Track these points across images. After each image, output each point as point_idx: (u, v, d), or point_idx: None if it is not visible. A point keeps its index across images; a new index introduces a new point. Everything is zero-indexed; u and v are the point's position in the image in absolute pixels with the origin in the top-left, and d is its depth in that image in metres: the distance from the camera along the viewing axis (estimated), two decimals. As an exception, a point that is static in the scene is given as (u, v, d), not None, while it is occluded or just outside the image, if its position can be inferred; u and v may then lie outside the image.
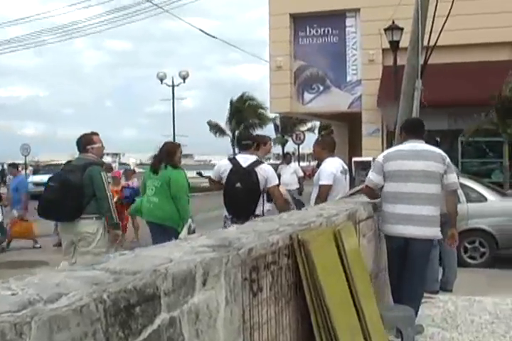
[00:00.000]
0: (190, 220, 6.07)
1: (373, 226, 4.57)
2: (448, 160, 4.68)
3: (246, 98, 39.14)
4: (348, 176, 5.98)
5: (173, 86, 30.37)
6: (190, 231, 5.84)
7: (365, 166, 16.15)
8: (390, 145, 9.79)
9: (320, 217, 3.39)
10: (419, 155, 4.66)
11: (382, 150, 20.27)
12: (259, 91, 67.04)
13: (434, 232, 4.60)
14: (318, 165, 6.11)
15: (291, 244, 2.69)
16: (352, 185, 6.50)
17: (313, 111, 20.29)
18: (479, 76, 16.51)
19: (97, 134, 5.62)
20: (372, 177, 4.79)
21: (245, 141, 5.76)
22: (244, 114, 38.21)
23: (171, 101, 30.56)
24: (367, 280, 3.54)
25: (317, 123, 42.20)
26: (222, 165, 5.68)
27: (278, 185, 5.58)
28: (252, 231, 2.62)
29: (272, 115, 37.06)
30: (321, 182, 5.63)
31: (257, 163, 5.54)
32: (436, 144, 5.86)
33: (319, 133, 44.35)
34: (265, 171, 5.47)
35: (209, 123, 41.24)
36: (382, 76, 18.20)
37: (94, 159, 5.45)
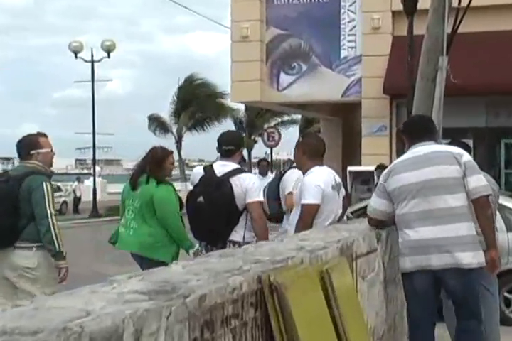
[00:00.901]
0: (197, 245, 6.24)
1: (377, 264, 4.64)
2: (466, 158, 4.90)
3: (196, 80, 39.16)
4: (341, 192, 6.06)
5: (92, 62, 30.29)
6: None
7: (366, 178, 16.30)
8: (401, 150, 9.91)
9: (301, 250, 3.44)
10: (427, 160, 4.92)
11: (391, 157, 20.84)
12: (218, 70, 67.32)
13: (476, 258, 4.80)
14: None
15: (261, 289, 2.73)
16: (348, 204, 6.59)
17: (292, 101, 20.44)
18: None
19: (44, 135, 5.90)
20: (373, 202, 5.08)
21: (228, 147, 6.07)
22: (195, 103, 38.24)
23: (90, 83, 30.44)
24: (366, 340, 3.61)
25: (299, 118, 42.44)
26: (196, 174, 6.09)
27: (261, 203, 5.79)
28: (205, 271, 2.65)
29: (237, 106, 37.17)
30: (304, 201, 5.71)
31: (236, 171, 5.85)
32: (467, 150, 6.02)
33: (301, 132, 44.59)
34: (244, 182, 5.75)
35: (150, 117, 41.15)
36: (392, 51, 18.46)
37: (39, 168, 5.68)
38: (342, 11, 19.57)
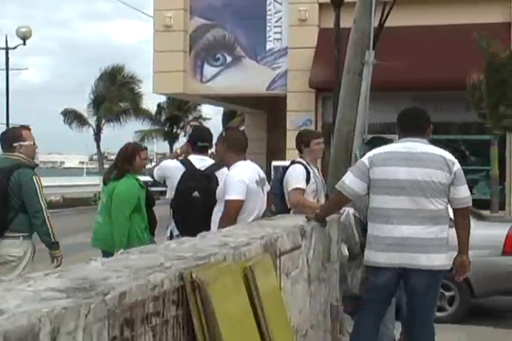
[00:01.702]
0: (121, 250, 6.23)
1: (301, 261, 4.69)
2: (457, 166, 5.07)
3: (118, 71, 38.79)
4: (266, 188, 6.11)
5: (7, 49, 29.66)
6: None
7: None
8: (328, 143, 10.00)
9: (224, 247, 3.45)
10: (416, 159, 5.07)
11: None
12: (141, 60, 66.93)
13: (440, 260, 5.01)
14: None
15: (183, 286, 2.74)
16: (272, 199, 6.63)
17: (216, 93, 20.43)
18: (459, 45, 17.23)
19: (27, 128, 6.32)
20: (351, 182, 5.14)
21: (203, 143, 6.47)
22: (115, 94, 37.85)
23: (4, 72, 29.84)
24: (290, 339, 3.64)
25: (222, 111, 42.44)
26: (170, 167, 6.36)
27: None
28: (125, 268, 2.65)
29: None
30: (228, 197, 5.73)
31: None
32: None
33: (224, 125, 44.62)
34: (224, 177, 5.96)
35: (64, 112, 40.56)
36: (319, 43, 18.62)
37: (23, 160, 6.08)
38: (268, 1, 19.64)
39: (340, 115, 7.91)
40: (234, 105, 25.80)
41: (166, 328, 2.61)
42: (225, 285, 3.00)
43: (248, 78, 19.43)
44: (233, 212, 5.69)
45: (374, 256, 5.09)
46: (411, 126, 5.29)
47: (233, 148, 6.01)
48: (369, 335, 5.25)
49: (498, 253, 9.01)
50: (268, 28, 19.62)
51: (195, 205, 6.09)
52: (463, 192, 5.04)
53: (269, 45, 19.65)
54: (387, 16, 8.39)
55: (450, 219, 5.19)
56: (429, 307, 5.16)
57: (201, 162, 6.35)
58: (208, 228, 5.74)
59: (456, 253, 5.15)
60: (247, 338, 3.10)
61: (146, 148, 7.32)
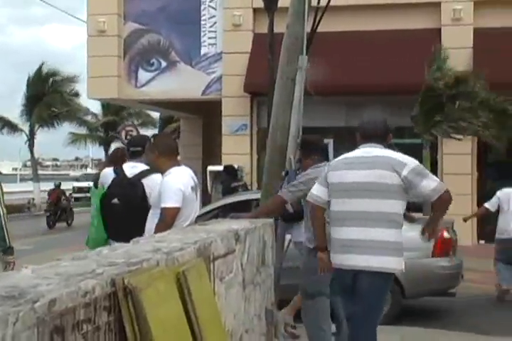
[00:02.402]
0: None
1: (235, 265, 4.70)
2: (411, 167, 5.17)
3: (48, 73, 38.15)
4: (199, 193, 6.13)
5: None
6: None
7: (226, 178, 16.40)
8: (262, 148, 10.07)
9: (157, 252, 3.44)
10: (370, 162, 5.27)
11: (251, 156, 21.03)
12: (75, 65, 66.28)
13: (389, 263, 5.12)
14: None
15: (114, 292, 2.72)
16: (206, 204, 6.68)
17: (151, 98, 20.37)
18: (391, 50, 17.49)
19: None
20: (315, 189, 5.48)
21: (134, 148, 6.50)
22: (47, 98, 37.30)
23: None
24: (225, 344, 3.65)
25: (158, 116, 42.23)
26: (106, 175, 6.46)
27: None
28: (56, 275, 2.62)
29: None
30: (164, 205, 5.72)
31: (146, 172, 6.19)
32: (318, 148, 6.39)
33: (160, 130, 44.42)
34: (153, 183, 6.04)
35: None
36: (253, 48, 18.70)
37: None
38: (202, 6, 19.65)
39: (274, 119, 7.95)
40: (169, 110, 25.73)
41: (98, 335, 2.59)
42: (158, 290, 2.99)
43: (183, 83, 19.41)
44: (169, 220, 5.69)
45: (332, 258, 5.34)
46: (370, 134, 5.51)
47: (164, 153, 5.99)
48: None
49: (427, 255, 9.22)
50: (203, 33, 19.63)
51: (115, 212, 6.14)
52: (428, 186, 5.12)
53: (203, 50, 19.66)
54: (319, 22, 8.46)
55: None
56: (373, 310, 5.27)
57: (132, 169, 6.37)
58: (134, 234, 5.76)
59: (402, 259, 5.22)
60: (181, 343, 3.10)
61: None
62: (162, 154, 5.97)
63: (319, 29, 8.51)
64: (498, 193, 11.50)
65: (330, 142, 18.52)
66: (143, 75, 19.91)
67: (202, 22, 19.62)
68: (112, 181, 6.35)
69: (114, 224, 6.18)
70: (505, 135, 13.99)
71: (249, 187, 16.78)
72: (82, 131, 44.78)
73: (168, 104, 21.59)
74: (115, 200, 6.17)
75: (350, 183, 5.26)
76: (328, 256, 5.45)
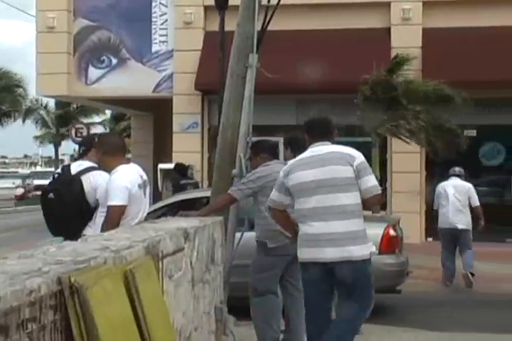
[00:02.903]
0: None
1: (184, 263, 4.69)
2: (360, 160, 5.53)
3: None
4: (148, 190, 6.13)
5: None
6: None
7: (176, 176, 16.37)
8: (213, 146, 10.09)
9: (105, 250, 3.42)
10: (324, 159, 5.55)
11: (202, 154, 20.97)
12: (24, 62, 65.50)
13: (361, 251, 5.41)
14: None
15: (61, 290, 2.70)
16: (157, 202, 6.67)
17: (102, 95, 20.20)
18: (342, 49, 17.59)
19: None
20: (273, 195, 5.74)
21: (83, 147, 6.60)
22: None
23: None
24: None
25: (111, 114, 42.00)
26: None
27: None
28: (1, 274, 2.59)
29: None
30: (110, 203, 5.72)
31: (88, 169, 6.22)
32: (266, 147, 6.52)
33: (112, 127, 44.20)
34: (94, 180, 6.10)
35: None
36: (204, 46, 18.67)
37: None
38: (154, 4, 19.55)
39: (225, 118, 7.95)
40: (120, 107, 25.57)
41: (43, 334, 2.57)
42: (105, 288, 2.97)
43: (134, 80, 19.29)
44: (115, 218, 5.69)
45: (300, 253, 5.55)
46: (317, 132, 5.78)
47: (108, 152, 6.01)
48: (319, 325, 5.57)
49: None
50: (154, 31, 19.52)
51: (51, 207, 6.19)
52: (368, 182, 5.46)
53: (154, 48, 19.55)
54: (269, 20, 8.49)
55: None
56: (364, 292, 5.51)
57: (78, 167, 6.36)
58: (71, 232, 5.75)
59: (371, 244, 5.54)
60: (128, 342, 3.09)
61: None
62: (106, 153, 6.00)
63: (270, 28, 8.53)
64: (436, 190, 12.58)
65: (280, 140, 18.61)
66: (93, 72, 19.73)
67: (153, 19, 19.51)
68: (54, 177, 6.42)
69: (52, 220, 6.20)
70: (440, 139, 14.11)
71: (200, 185, 16.76)
72: (35, 128, 44.38)
73: (118, 101, 21.45)
74: (51, 195, 6.21)
75: (308, 182, 5.50)
76: None
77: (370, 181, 5.50)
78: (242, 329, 7.21)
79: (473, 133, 17.89)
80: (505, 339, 7.93)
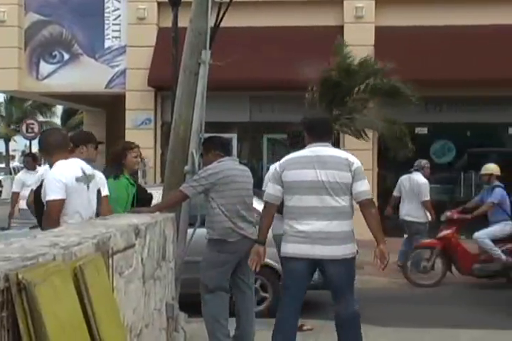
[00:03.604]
0: None
1: (135, 260, 4.67)
2: (357, 165, 5.79)
3: None
4: (95, 184, 6.11)
5: None
6: None
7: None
8: (166, 142, 10.04)
9: (54, 247, 3.39)
10: (321, 162, 5.77)
11: (155, 150, 20.95)
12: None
13: (346, 250, 5.75)
14: None
15: (8, 287, 2.68)
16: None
17: (54, 91, 19.98)
18: (295, 46, 17.62)
19: None
20: (270, 189, 5.95)
21: (72, 144, 6.57)
22: None
23: None
24: (123, 339, 3.63)
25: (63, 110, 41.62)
26: None
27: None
28: None
29: None
30: (47, 198, 5.69)
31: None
32: (216, 144, 7.05)
33: (63, 123, 43.83)
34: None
35: None
36: (158, 42, 18.59)
37: None
38: (106, -1, 19.41)
39: (177, 114, 7.93)
40: (73, 103, 25.34)
41: (-10, 331, 2.54)
42: (54, 285, 2.95)
43: (86, 76, 19.12)
44: (53, 212, 5.64)
45: (285, 248, 5.86)
46: (318, 132, 5.98)
47: (46, 150, 6.02)
48: (289, 317, 5.94)
49: None
50: (106, 26, 19.35)
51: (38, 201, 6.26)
52: (361, 186, 5.75)
53: (107, 43, 19.39)
54: (223, 17, 8.48)
55: None
56: (344, 290, 5.85)
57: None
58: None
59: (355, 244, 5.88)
60: (77, 340, 3.06)
61: (137, 146, 7.70)
62: (44, 151, 6.04)
63: (223, 24, 8.52)
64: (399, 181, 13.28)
65: (234, 137, 18.64)
66: (45, 67, 19.50)
67: (106, 14, 19.34)
68: None
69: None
70: (395, 128, 14.25)
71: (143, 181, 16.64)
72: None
73: (71, 97, 21.21)
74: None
75: (307, 181, 5.74)
76: (264, 251, 5.98)
77: (363, 186, 5.78)
78: (193, 326, 7.21)
79: (424, 131, 18.10)
80: (455, 334, 8.03)
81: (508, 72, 16.92)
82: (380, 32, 18.07)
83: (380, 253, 5.77)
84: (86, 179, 5.92)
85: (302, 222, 5.75)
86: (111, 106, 21.42)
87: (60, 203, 5.63)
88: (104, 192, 6.37)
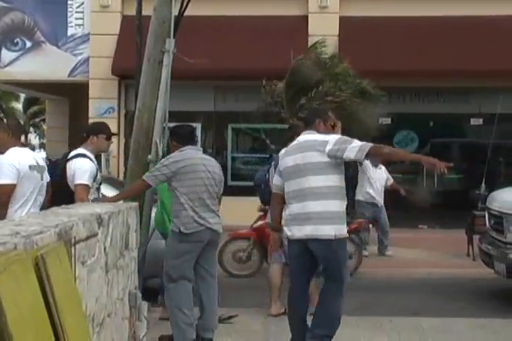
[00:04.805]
0: None
1: (98, 249, 4.65)
2: (333, 142, 5.97)
3: None
4: (46, 176, 6.22)
5: None
6: None
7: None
8: (130, 132, 10.00)
9: (15, 236, 3.36)
10: (301, 147, 6.14)
11: (119, 139, 20.77)
12: None
13: (335, 230, 5.92)
14: None
15: (-32, 277, 2.65)
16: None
17: (16, 79, 19.74)
18: (260, 36, 17.61)
19: None
20: (275, 180, 6.50)
21: (84, 134, 7.13)
22: None
23: None
24: (84, 328, 3.61)
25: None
26: None
27: (88, 186, 6.52)
28: None
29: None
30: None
31: (74, 156, 6.74)
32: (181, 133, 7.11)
33: (25, 112, 43.43)
34: (71, 165, 6.62)
35: None
36: (121, 30, 18.46)
37: None
38: (69, -14, 19.20)
39: (141, 103, 7.91)
40: (35, 92, 25.09)
41: (-51, 321, 2.52)
42: (15, 274, 2.92)
43: (49, 64, 18.94)
44: (2, 196, 5.69)
45: (285, 231, 6.24)
46: (305, 122, 6.55)
47: (13, 134, 6.11)
48: (299, 294, 6.30)
49: None
50: (69, 14, 19.16)
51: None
52: (354, 148, 5.90)
53: (70, 31, 19.21)
54: (187, 5, 8.45)
55: None
56: (334, 271, 6.06)
57: (73, 152, 7.04)
58: None
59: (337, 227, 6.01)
60: (38, 329, 3.04)
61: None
62: (10, 135, 6.06)
63: (187, 13, 8.50)
64: None
65: (198, 126, 18.59)
66: (6, 55, 19.26)
67: (69, 2, 19.12)
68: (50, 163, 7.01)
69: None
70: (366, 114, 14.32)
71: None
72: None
73: (33, 85, 20.98)
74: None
75: (289, 167, 6.14)
76: (279, 237, 6.57)
77: (355, 146, 5.90)
78: (156, 315, 7.21)
79: (388, 121, 18.20)
80: (416, 322, 8.11)
81: (470, 64, 17.08)
82: (345, 22, 18.10)
83: (426, 162, 6.00)
84: (39, 168, 5.96)
85: (290, 206, 6.14)
86: (74, 94, 21.24)
87: (11, 188, 5.68)
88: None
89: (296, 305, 6.31)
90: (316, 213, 5.94)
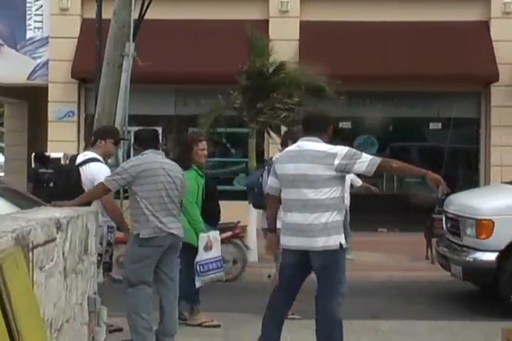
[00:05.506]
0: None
1: (56, 253, 4.62)
2: (340, 154, 5.88)
3: None
4: None
5: None
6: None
7: (36, 164, 15.96)
8: (89, 135, 9.94)
9: (-28, 241, 3.34)
10: (303, 156, 5.98)
11: (78, 144, 20.71)
12: None
13: (329, 241, 5.87)
14: None
15: None
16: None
17: (-27, 82, 19.55)
18: (221, 40, 17.61)
19: None
20: (270, 181, 6.29)
21: (93, 138, 7.16)
22: None
23: None
24: (42, 334, 3.59)
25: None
26: None
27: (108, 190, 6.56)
28: None
29: None
30: None
31: (87, 160, 6.85)
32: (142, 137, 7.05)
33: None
34: (89, 170, 6.82)
35: None
36: (81, 33, 18.36)
37: None
38: (28, -12, 19.05)
39: (100, 107, 7.90)
40: (-7, 95, 24.84)
41: None
42: (-29, 280, 2.90)
43: (7, 67, 18.75)
44: None
45: (282, 240, 6.14)
46: (307, 127, 6.23)
47: None
48: (280, 304, 6.28)
49: None
50: (28, 17, 19.00)
51: (51, 194, 6.74)
52: (363, 163, 5.88)
53: (29, 34, 19.04)
54: (146, 9, 8.46)
55: None
56: (329, 283, 6.03)
57: (83, 157, 7.10)
58: None
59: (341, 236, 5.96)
60: (-5, 334, 3.03)
61: (205, 139, 7.88)
62: None
63: (148, 16, 8.51)
64: None
65: (159, 130, 18.50)
66: (-36, 59, 19.08)
67: (27, 5, 18.96)
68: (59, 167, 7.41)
69: None
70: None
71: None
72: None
73: (-9, 88, 20.82)
74: (51, 184, 6.86)
75: (289, 175, 6.00)
76: (276, 238, 6.38)
77: (364, 162, 5.87)
78: (115, 320, 7.17)
79: (348, 125, 18.30)
80: (375, 325, 8.16)
81: (430, 68, 17.26)
82: (305, 27, 18.18)
83: (430, 179, 6.02)
84: None
85: (288, 214, 6.05)
86: (33, 98, 21.07)
87: None
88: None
89: (278, 306, 6.29)
90: (317, 225, 5.88)
